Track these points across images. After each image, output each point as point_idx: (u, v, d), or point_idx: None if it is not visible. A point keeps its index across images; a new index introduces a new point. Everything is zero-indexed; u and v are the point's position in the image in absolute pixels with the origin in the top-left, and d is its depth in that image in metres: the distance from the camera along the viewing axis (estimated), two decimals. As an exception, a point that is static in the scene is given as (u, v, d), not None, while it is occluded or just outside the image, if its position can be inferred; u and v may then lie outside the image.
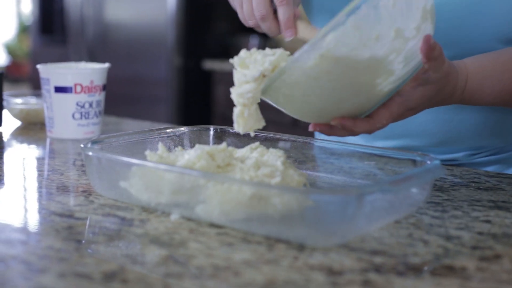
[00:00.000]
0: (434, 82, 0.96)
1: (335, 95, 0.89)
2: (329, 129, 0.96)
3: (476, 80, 1.04)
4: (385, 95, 0.92)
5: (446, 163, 1.30)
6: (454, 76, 1.00)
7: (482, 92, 1.06)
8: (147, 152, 0.94)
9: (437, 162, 0.91)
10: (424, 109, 1.01)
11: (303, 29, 1.05)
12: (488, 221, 0.88)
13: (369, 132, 0.96)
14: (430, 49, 0.89)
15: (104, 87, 1.47)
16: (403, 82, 0.92)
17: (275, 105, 0.95)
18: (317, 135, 1.51)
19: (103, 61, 1.85)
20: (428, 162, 0.93)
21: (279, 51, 0.92)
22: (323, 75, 0.86)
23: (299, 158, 1.07)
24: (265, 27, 1.09)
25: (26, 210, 0.93)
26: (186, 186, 0.84)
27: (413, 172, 0.87)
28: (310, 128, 0.97)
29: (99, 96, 1.45)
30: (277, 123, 3.60)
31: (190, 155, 0.89)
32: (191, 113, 3.94)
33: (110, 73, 1.50)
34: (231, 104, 0.93)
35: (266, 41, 4.17)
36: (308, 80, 0.87)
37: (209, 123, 3.86)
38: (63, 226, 0.83)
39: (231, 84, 0.93)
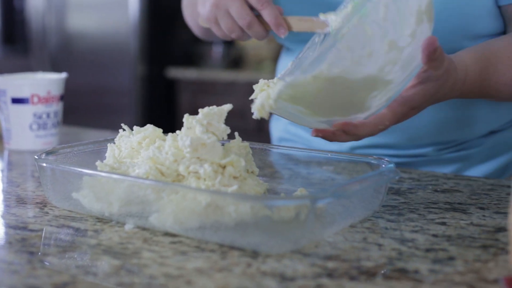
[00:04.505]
0: (435, 80, 0.94)
1: (332, 109, 0.89)
2: (331, 134, 0.93)
3: (475, 72, 1.03)
4: (386, 101, 0.92)
5: (416, 159, 1.31)
6: (453, 71, 0.98)
7: (481, 85, 1.05)
8: (98, 163, 0.94)
9: (391, 165, 0.91)
10: (426, 107, 0.99)
11: (296, 22, 1.05)
12: (443, 223, 0.89)
13: (373, 134, 0.94)
14: (432, 52, 0.88)
15: (62, 97, 1.46)
16: (404, 86, 0.92)
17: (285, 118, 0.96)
18: (278, 141, 1.51)
19: (66, 71, 1.83)
20: (383, 165, 0.93)
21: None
22: (316, 92, 0.85)
23: (257, 165, 1.07)
24: (252, 33, 1.09)
25: (-21, 223, 0.92)
26: (138, 196, 0.84)
27: (366, 176, 0.87)
28: (312, 134, 0.95)
29: (57, 107, 1.44)
30: (242, 130, 3.59)
31: (140, 170, 0.89)
32: (155, 122, 3.90)
33: (73, 83, 1.49)
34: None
35: (230, 48, 4.17)
36: (302, 98, 0.87)
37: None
38: (17, 239, 0.83)
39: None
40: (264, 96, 0.89)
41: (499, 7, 1.16)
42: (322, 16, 1.05)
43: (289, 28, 1.07)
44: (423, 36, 0.88)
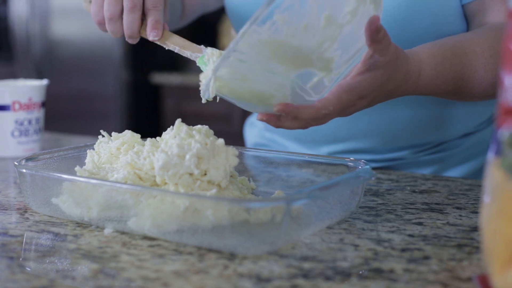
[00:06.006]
0: (382, 67, 0.91)
1: (272, 80, 0.87)
2: (276, 119, 0.91)
3: (430, 65, 1.01)
4: (329, 82, 0.90)
5: (394, 162, 1.32)
6: (404, 60, 0.95)
7: (437, 79, 1.02)
8: (77, 168, 0.95)
9: (367, 167, 0.92)
10: (380, 101, 0.96)
11: (176, 39, 1.06)
12: (420, 223, 0.90)
13: (316, 119, 0.90)
14: (375, 31, 0.85)
15: (43, 104, 1.46)
16: (347, 68, 0.90)
17: (225, 98, 0.94)
18: (254, 146, 1.51)
19: (50, 78, 1.83)
20: (359, 167, 0.94)
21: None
22: (254, 58, 0.83)
23: (237, 168, 1.07)
24: (110, 28, 1.09)
25: (-40, 230, 0.92)
26: (116, 201, 0.84)
27: (341, 177, 0.88)
28: (258, 118, 0.92)
29: (38, 113, 1.45)
30: (226, 134, 3.60)
31: (118, 175, 0.89)
32: (140, 127, 3.93)
33: (58, 89, 1.50)
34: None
35: (214, 52, 4.16)
36: (241, 65, 0.84)
37: (158, 136, 3.83)
38: (-4, 244, 0.83)
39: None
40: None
41: (462, 6, 1.17)
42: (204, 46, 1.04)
43: (164, 39, 1.07)
44: (367, 18, 0.86)
